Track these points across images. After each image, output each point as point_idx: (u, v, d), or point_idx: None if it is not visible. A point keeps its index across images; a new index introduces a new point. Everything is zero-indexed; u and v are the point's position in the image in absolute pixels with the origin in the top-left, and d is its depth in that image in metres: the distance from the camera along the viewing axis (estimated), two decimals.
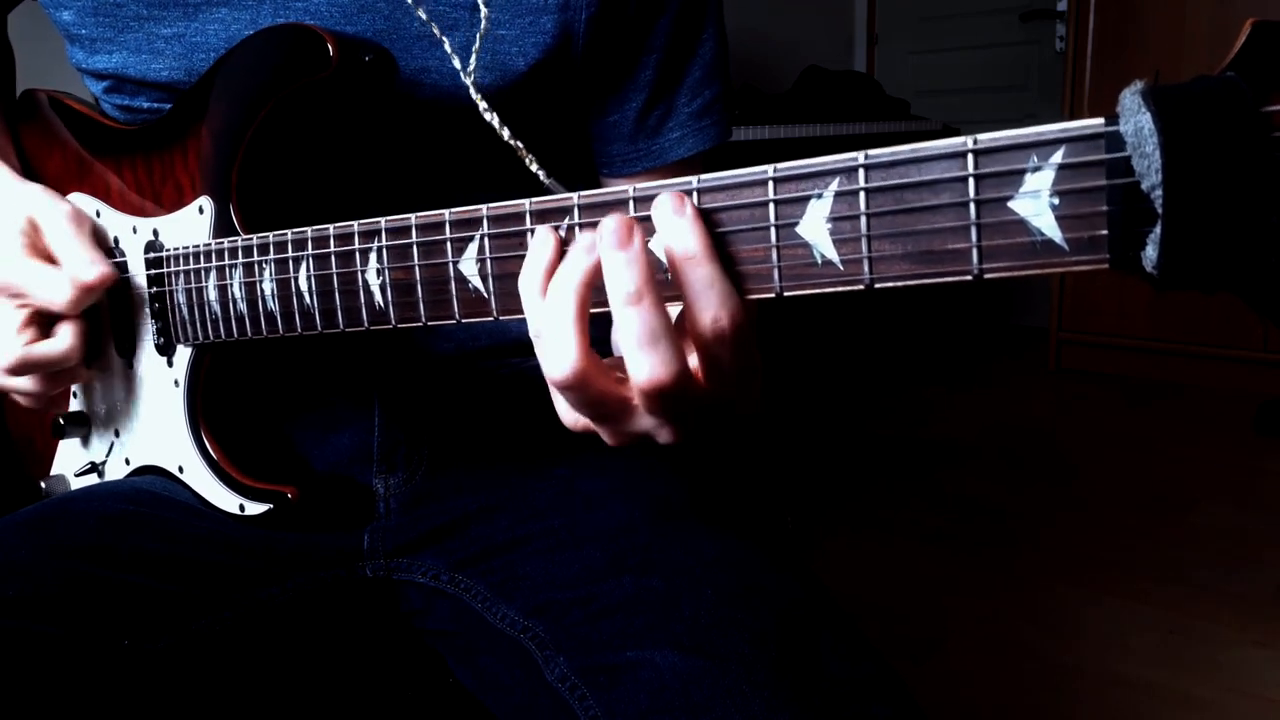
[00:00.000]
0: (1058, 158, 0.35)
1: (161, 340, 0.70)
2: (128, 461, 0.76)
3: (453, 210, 0.51)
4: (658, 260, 0.44)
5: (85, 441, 0.79)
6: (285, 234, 0.59)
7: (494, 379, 0.77)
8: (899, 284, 0.39)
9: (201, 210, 0.66)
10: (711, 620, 0.57)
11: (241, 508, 0.67)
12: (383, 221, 0.54)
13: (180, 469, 0.71)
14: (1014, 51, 4.00)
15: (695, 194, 0.44)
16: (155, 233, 0.69)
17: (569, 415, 0.50)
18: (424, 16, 0.66)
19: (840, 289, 0.41)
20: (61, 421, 0.78)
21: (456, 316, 0.52)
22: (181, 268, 0.67)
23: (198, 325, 0.66)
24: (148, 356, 0.72)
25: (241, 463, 0.68)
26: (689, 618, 0.57)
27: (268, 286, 0.60)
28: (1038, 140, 0.36)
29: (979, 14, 4.07)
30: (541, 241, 0.46)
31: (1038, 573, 1.99)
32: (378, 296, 0.55)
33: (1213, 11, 2.93)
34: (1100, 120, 0.34)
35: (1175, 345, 3.16)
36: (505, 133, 0.63)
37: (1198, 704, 1.54)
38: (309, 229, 0.58)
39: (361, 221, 0.55)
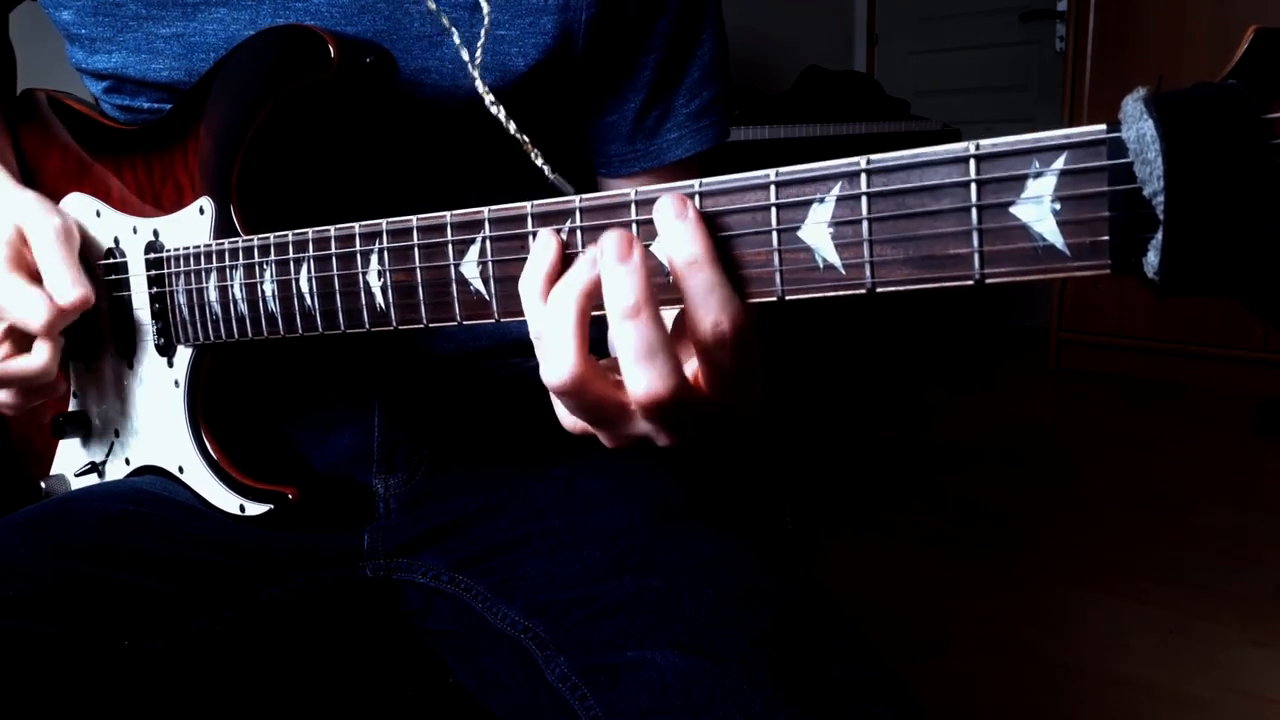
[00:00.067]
0: (1060, 163, 0.35)
1: (162, 341, 0.70)
2: (128, 462, 0.76)
3: (454, 212, 0.51)
4: (658, 264, 0.44)
5: (85, 442, 0.79)
6: (286, 235, 0.59)
7: (494, 379, 0.77)
8: (900, 289, 0.39)
9: (202, 211, 0.66)
10: (712, 620, 0.57)
11: (242, 508, 0.67)
12: (384, 223, 0.54)
13: (180, 469, 0.71)
14: (1014, 51, 4.00)
15: (697, 197, 0.44)
16: (155, 233, 0.69)
17: (568, 418, 0.50)
18: (432, 6, 0.66)
19: (842, 293, 0.41)
20: (61, 421, 0.78)
21: (458, 318, 0.52)
22: (182, 268, 0.67)
23: (198, 326, 0.66)
24: (148, 357, 0.72)
25: (242, 463, 0.68)
26: (690, 618, 0.57)
27: (268, 287, 0.60)
28: (1040, 146, 0.36)
29: (979, 14, 4.06)
30: (543, 245, 0.46)
31: (1038, 573, 1.99)
32: (379, 298, 0.55)
33: (1213, 12, 2.93)
34: (1102, 126, 0.34)
35: (1175, 345, 3.16)
36: (512, 126, 0.63)
37: (1197, 704, 1.54)
38: (310, 230, 0.58)
39: (363, 223, 0.55)
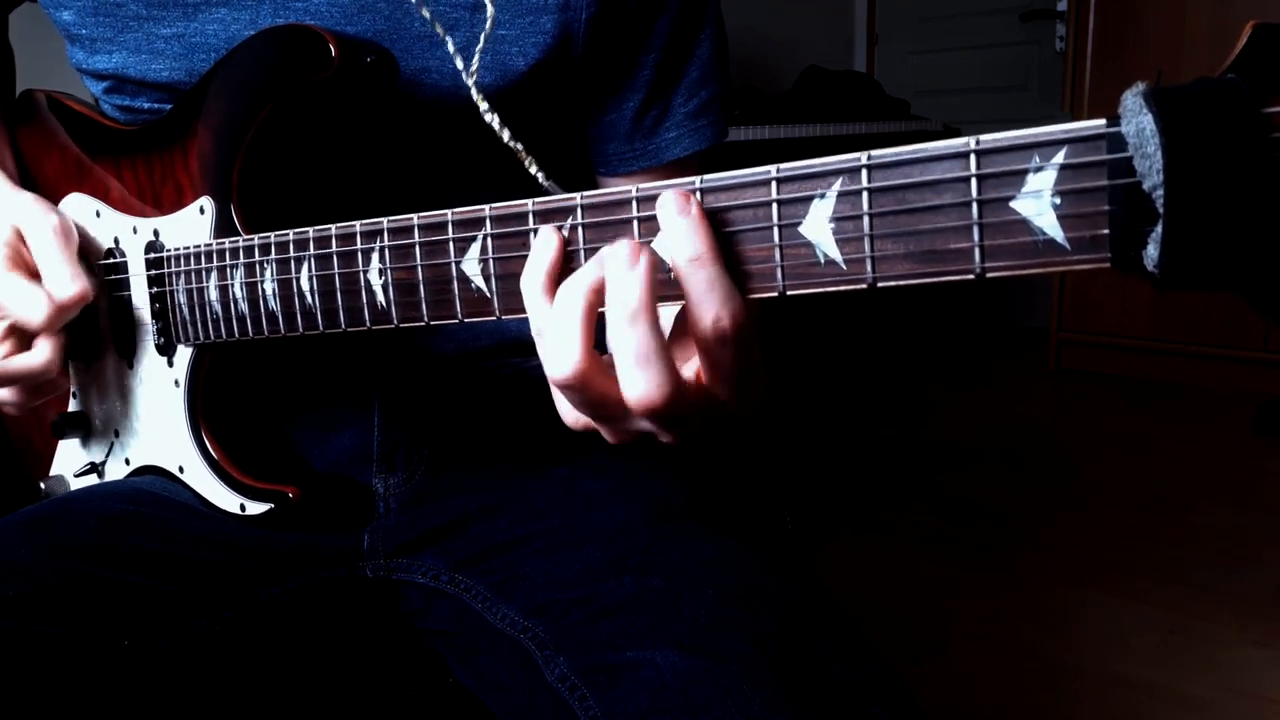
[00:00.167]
0: (1060, 158, 0.35)
1: (162, 340, 0.70)
2: (128, 462, 0.76)
3: (455, 210, 0.51)
4: (659, 260, 0.44)
5: (85, 442, 0.79)
6: (287, 234, 0.59)
7: (494, 379, 0.77)
8: (901, 283, 0.39)
9: (202, 210, 0.66)
10: (712, 620, 0.57)
11: (242, 507, 0.67)
12: (385, 221, 0.54)
13: (180, 469, 0.71)
14: (1014, 51, 4.00)
15: (699, 193, 0.44)
16: (156, 233, 0.69)
17: (570, 414, 0.50)
18: (427, 15, 0.66)
19: (843, 288, 0.41)
20: (61, 421, 0.78)
21: (459, 316, 0.52)
22: (182, 268, 0.67)
23: (198, 325, 0.66)
24: (148, 357, 0.72)
25: (242, 462, 0.68)
26: (689, 618, 0.57)
27: (269, 286, 0.60)
28: (1040, 141, 0.36)
29: (979, 14, 4.07)
30: (544, 241, 0.47)
31: (1038, 573, 1.99)
32: (380, 296, 0.55)
33: (1213, 11, 2.94)
34: (1102, 121, 0.34)
35: (1175, 345, 3.16)
36: (505, 134, 0.63)
37: (1197, 704, 1.54)
38: (310, 229, 0.58)
39: (364, 221, 0.55)
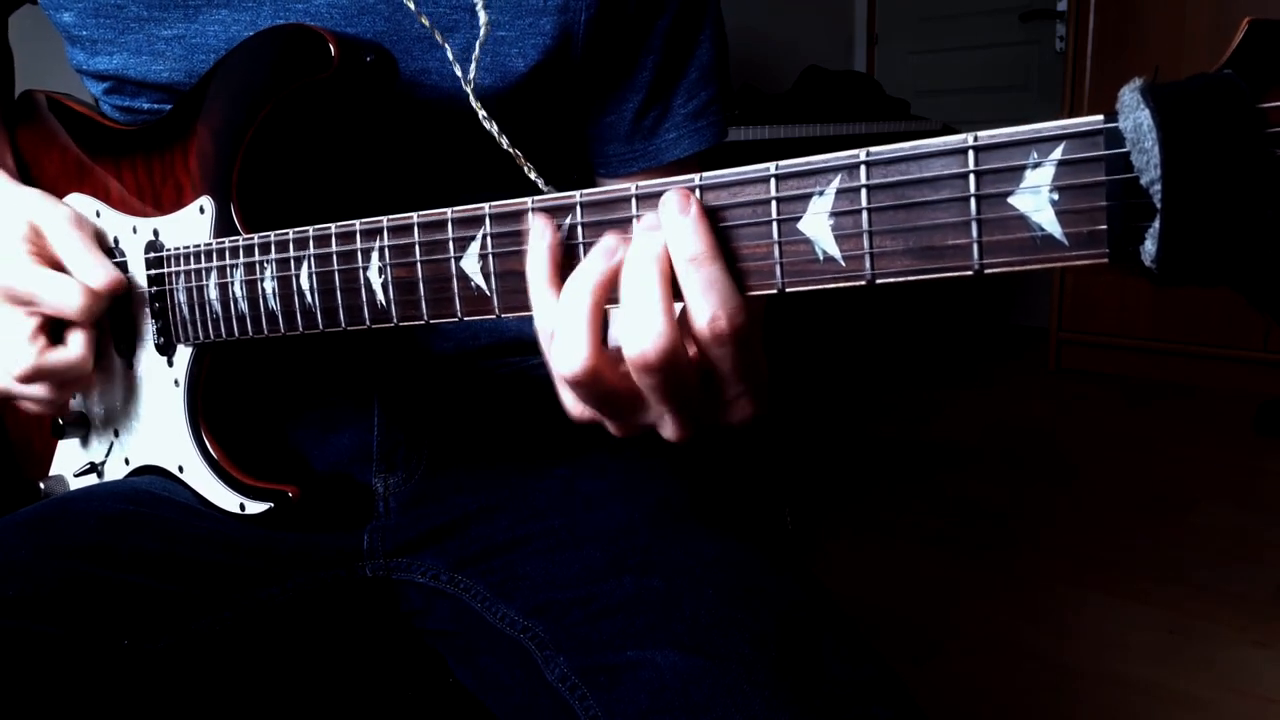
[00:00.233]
0: (1057, 154, 0.35)
1: (162, 340, 0.70)
2: (127, 461, 0.76)
3: (455, 208, 0.51)
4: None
5: (84, 442, 0.79)
6: (286, 233, 0.59)
7: (494, 378, 0.77)
8: (900, 279, 0.40)
9: (202, 210, 0.66)
10: (712, 620, 0.57)
11: (242, 506, 0.67)
12: (385, 220, 0.54)
13: (180, 469, 0.71)
14: (1014, 51, 4.01)
15: (698, 190, 0.44)
16: (155, 233, 0.70)
17: (576, 407, 0.50)
18: (426, 23, 0.66)
19: (842, 284, 0.41)
20: (60, 422, 0.78)
21: (459, 314, 0.52)
22: (182, 267, 0.67)
23: (198, 325, 0.66)
24: (148, 356, 0.72)
25: (242, 462, 0.68)
26: (689, 618, 0.57)
27: (269, 285, 0.61)
28: (1038, 137, 0.36)
29: (979, 14, 4.07)
30: (539, 232, 0.47)
31: (1038, 573, 1.99)
32: (379, 295, 0.55)
33: (1213, 11, 2.94)
34: (1099, 117, 0.34)
35: (1175, 345, 3.16)
36: (504, 141, 0.64)
37: (1197, 704, 1.54)
38: (310, 228, 0.58)
39: (363, 220, 0.55)
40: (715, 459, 0.77)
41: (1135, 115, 0.33)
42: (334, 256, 0.57)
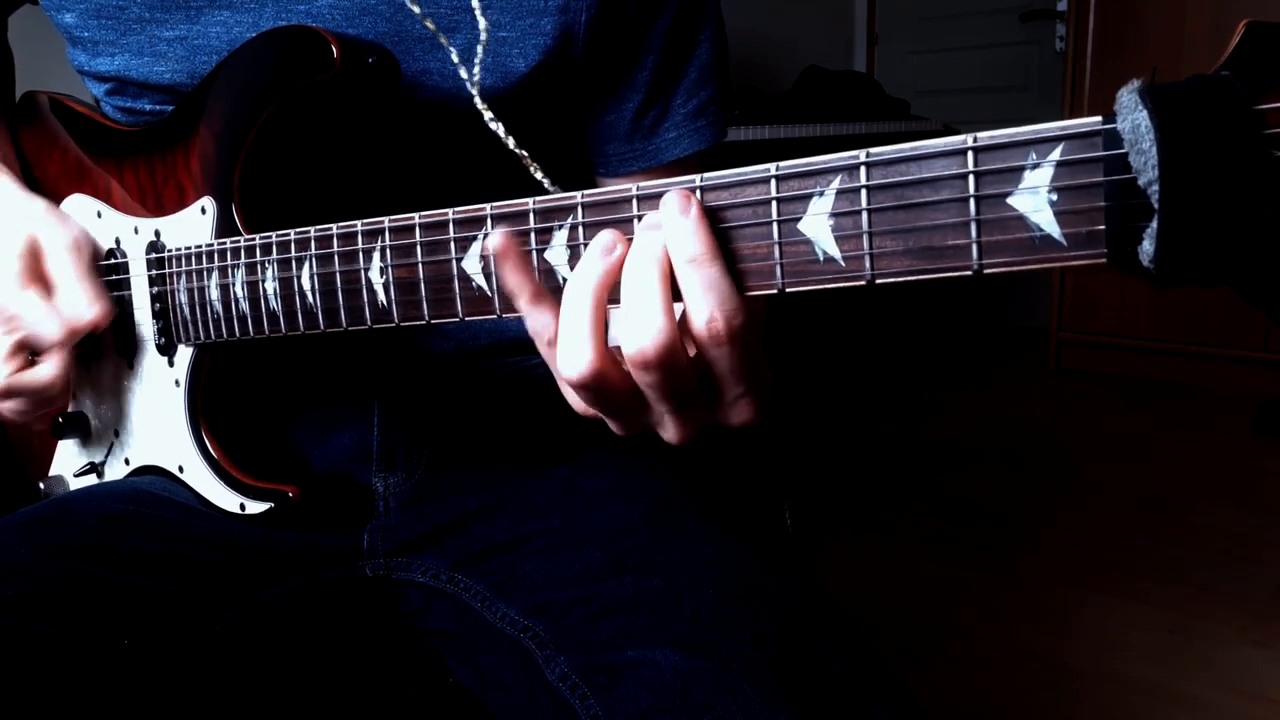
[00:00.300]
0: (1056, 155, 0.36)
1: (162, 340, 0.70)
2: (127, 462, 0.76)
3: (457, 209, 0.51)
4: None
5: (84, 442, 0.79)
6: (288, 233, 0.59)
7: (494, 378, 0.77)
8: (900, 279, 0.40)
9: (204, 210, 0.66)
10: (712, 620, 0.57)
11: (242, 506, 0.67)
12: (386, 220, 0.54)
13: (180, 469, 0.71)
14: (1014, 51, 4.01)
15: (699, 191, 0.44)
16: (157, 233, 0.70)
17: (580, 404, 0.50)
18: (431, 27, 0.66)
19: (842, 285, 0.41)
20: (60, 422, 0.78)
21: (460, 315, 0.52)
22: (183, 268, 0.67)
23: (199, 325, 0.66)
24: (148, 356, 0.72)
25: (242, 462, 0.69)
26: (690, 617, 0.57)
27: (270, 285, 0.61)
28: (1036, 138, 0.36)
29: (979, 14, 4.07)
30: (504, 253, 0.47)
31: (1038, 573, 1.99)
32: (381, 295, 0.55)
33: (1213, 12, 2.94)
34: (1098, 118, 0.35)
35: (1175, 345, 3.16)
36: (511, 141, 0.64)
37: (1197, 704, 1.54)
38: (312, 228, 0.58)
39: (365, 220, 0.55)
40: (715, 459, 0.77)
41: (1133, 116, 0.33)
42: (335, 257, 0.57)
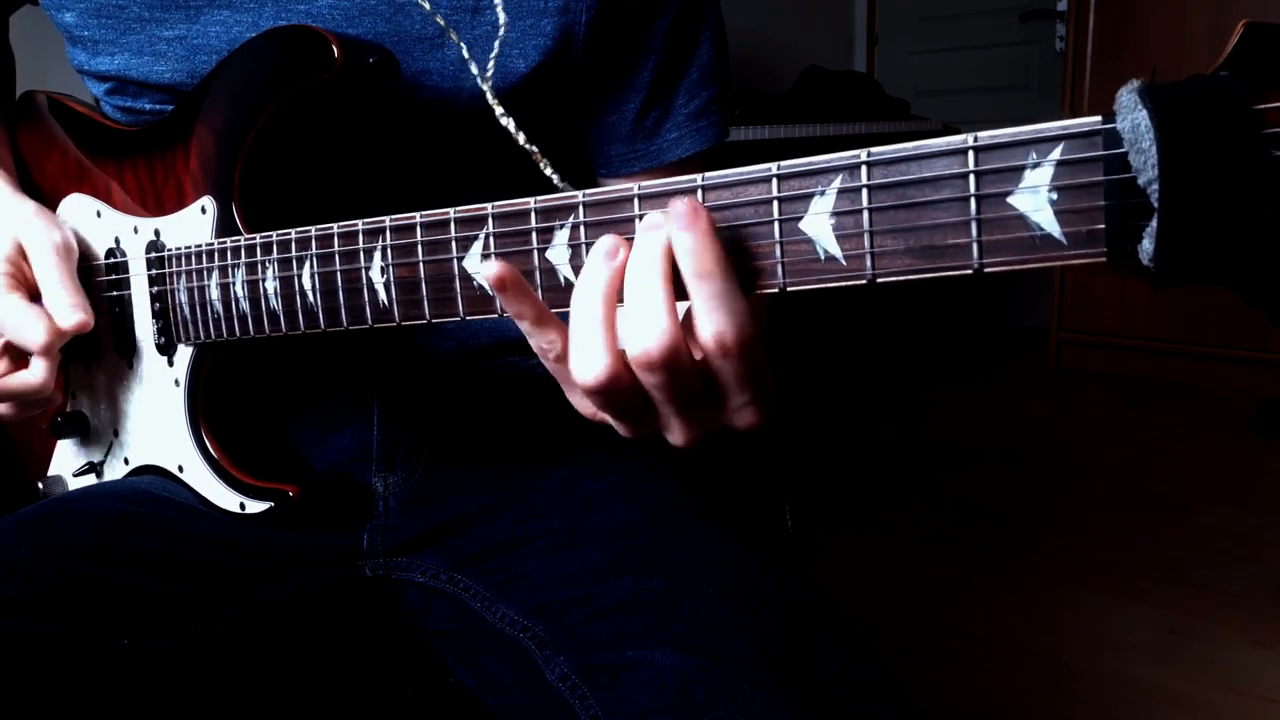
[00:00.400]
0: (1056, 154, 0.36)
1: (162, 340, 0.70)
2: (127, 461, 0.76)
3: (458, 208, 0.51)
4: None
5: (83, 442, 0.79)
6: (289, 233, 0.59)
7: (494, 378, 0.77)
8: (900, 279, 0.40)
9: (204, 210, 0.66)
10: (712, 620, 0.57)
11: (242, 506, 0.67)
12: (387, 220, 0.54)
13: (180, 468, 0.71)
14: (1014, 51, 4.01)
15: (700, 191, 0.44)
16: (157, 233, 0.70)
17: (588, 408, 0.50)
18: (441, 22, 0.66)
19: (842, 284, 0.41)
20: (59, 422, 0.78)
21: (461, 314, 0.52)
22: (183, 267, 0.67)
23: (199, 324, 0.66)
24: (148, 356, 0.72)
25: (242, 461, 0.69)
26: (689, 617, 0.57)
27: (270, 285, 0.61)
28: (1037, 137, 0.36)
29: (979, 14, 4.07)
30: (502, 282, 0.47)
31: (1038, 573, 1.99)
32: (382, 294, 0.55)
33: (1212, 12, 2.94)
34: (1098, 118, 0.35)
35: (1175, 345, 3.16)
36: (521, 137, 0.64)
37: (1197, 704, 1.54)
38: (312, 228, 0.58)
39: (366, 220, 0.55)
40: (715, 459, 0.77)
41: (1133, 116, 0.33)
42: (336, 256, 0.57)
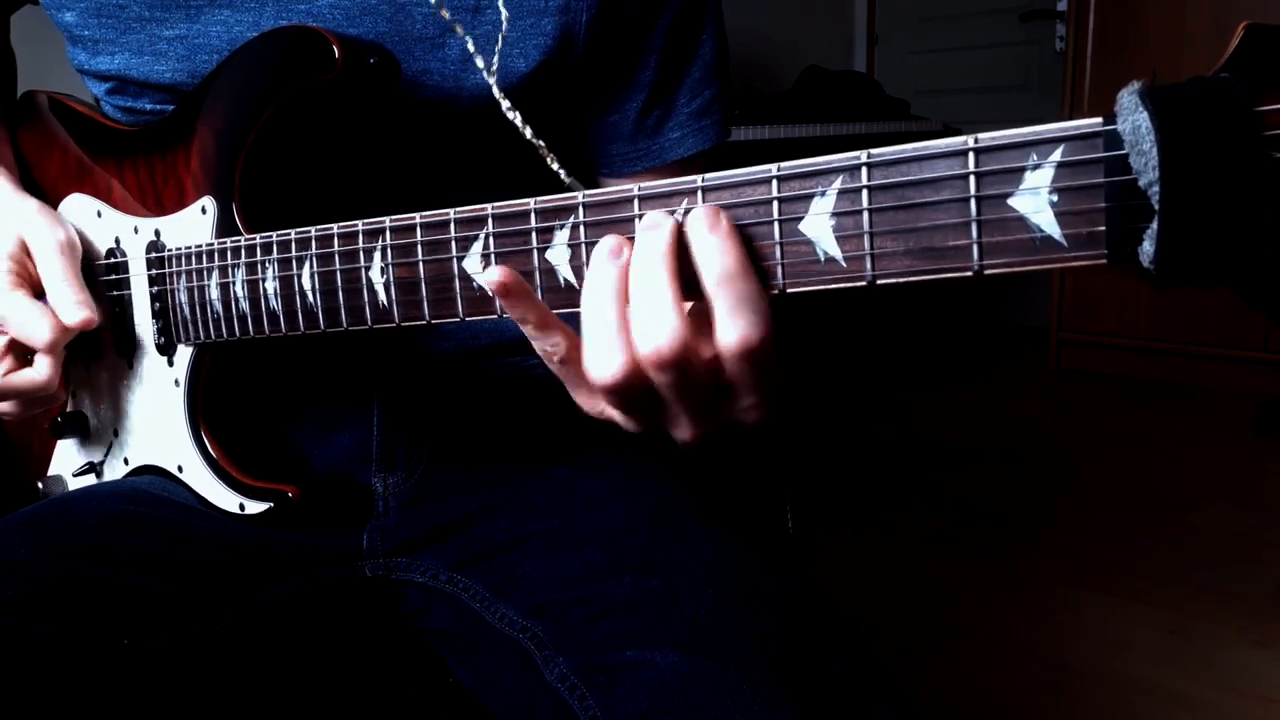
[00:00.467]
0: (1057, 156, 0.36)
1: (162, 340, 0.70)
2: (126, 461, 0.76)
3: (458, 209, 0.51)
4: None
5: (83, 442, 0.79)
6: (289, 233, 0.59)
7: (493, 378, 0.77)
8: (900, 280, 0.40)
9: (204, 210, 0.66)
10: (712, 620, 0.57)
11: (242, 506, 0.67)
12: (387, 220, 0.54)
13: (180, 468, 0.71)
14: (1014, 51, 4.01)
15: (700, 192, 0.44)
16: (157, 233, 0.70)
17: (595, 406, 0.50)
18: (447, 15, 0.66)
19: (842, 285, 0.41)
20: (59, 422, 0.78)
21: (461, 315, 0.52)
22: (184, 267, 0.67)
23: (199, 325, 0.66)
24: (148, 356, 0.72)
25: (242, 462, 0.69)
26: (689, 618, 0.57)
27: (270, 285, 0.61)
28: (1037, 139, 0.36)
29: (979, 14, 4.07)
30: (502, 288, 0.47)
31: (1038, 573, 1.99)
32: (382, 295, 0.55)
33: (1212, 12, 2.94)
34: (1098, 119, 0.35)
35: (1175, 345, 3.16)
36: (528, 131, 0.64)
37: (1197, 704, 1.54)
38: (312, 228, 0.58)
39: (366, 220, 0.55)
40: (715, 459, 0.77)
41: (1134, 118, 0.33)
42: (336, 256, 0.57)
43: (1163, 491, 2.35)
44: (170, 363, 0.70)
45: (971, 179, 0.37)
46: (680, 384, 0.45)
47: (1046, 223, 0.36)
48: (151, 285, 0.70)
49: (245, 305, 0.62)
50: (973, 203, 0.37)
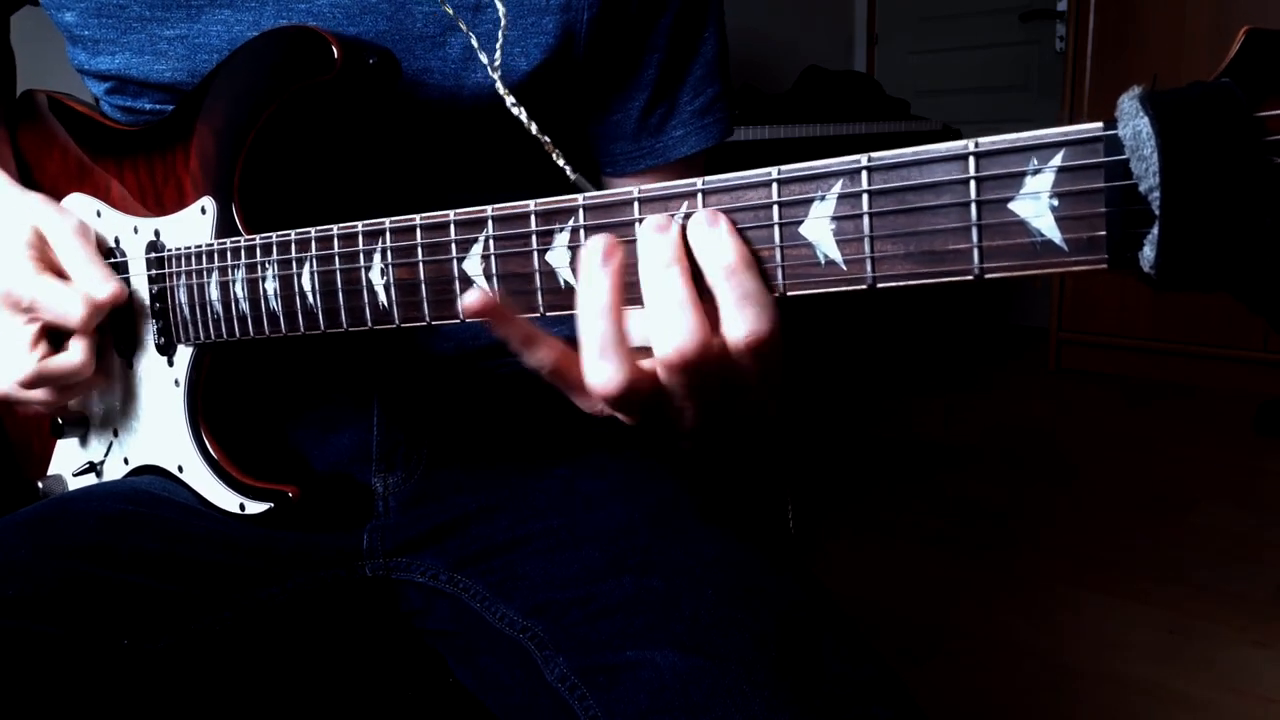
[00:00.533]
0: (1057, 160, 0.36)
1: (162, 340, 0.70)
2: (126, 461, 0.76)
3: (458, 210, 0.51)
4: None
5: (83, 441, 0.79)
6: (288, 234, 0.59)
7: (494, 379, 0.77)
8: (901, 284, 0.40)
9: (204, 210, 0.66)
10: (712, 620, 0.57)
11: (242, 506, 0.68)
12: (387, 221, 0.54)
13: (180, 468, 0.71)
14: (1014, 51, 4.00)
15: (700, 195, 0.44)
16: (157, 233, 0.70)
17: (595, 407, 0.50)
18: (450, 11, 0.66)
19: (843, 289, 0.41)
20: (60, 421, 0.78)
21: (460, 315, 0.52)
22: (183, 268, 0.67)
23: (199, 325, 0.66)
24: (148, 356, 0.72)
25: (242, 462, 0.69)
26: (689, 618, 0.57)
27: (270, 286, 0.61)
28: (1038, 143, 0.36)
29: (979, 14, 4.07)
30: (484, 312, 0.47)
31: (1038, 573, 1.99)
32: (381, 296, 0.55)
33: (1212, 12, 2.94)
34: (1099, 124, 0.35)
35: (1175, 345, 3.16)
36: (534, 127, 0.64)
37: (1197, 704, 1.54)
38: (312, 229, 0.58)
39: (366, 221, 0.55)
40: (715, 459, 0.77)
41: (1134, 123, 0.33)
42: (336, 257, 0.57)
43: (1163, 491, 2.35)
44: (170, 363, 0.70)
45: (972, 183, 0.37)
46: (692, 384, 0.46)
47: (1047, 227, 0.36)
48: (151, 285, 0.70)
49: (245, 306, 0.62)
50: (973, 207, 0.38)
